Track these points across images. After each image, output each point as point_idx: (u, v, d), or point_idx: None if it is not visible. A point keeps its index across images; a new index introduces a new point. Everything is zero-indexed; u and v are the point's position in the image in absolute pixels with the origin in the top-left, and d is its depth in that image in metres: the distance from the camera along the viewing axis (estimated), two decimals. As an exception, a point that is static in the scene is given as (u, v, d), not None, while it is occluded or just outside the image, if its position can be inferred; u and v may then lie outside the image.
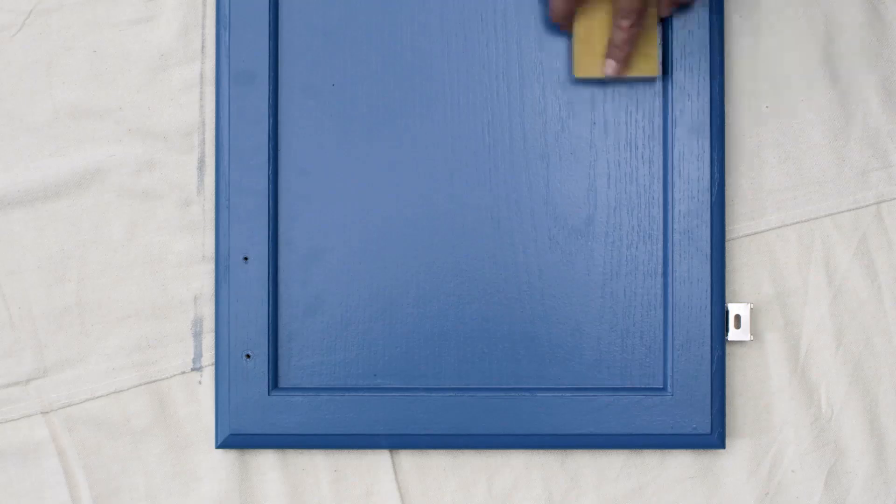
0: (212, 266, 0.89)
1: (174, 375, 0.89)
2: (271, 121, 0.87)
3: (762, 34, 0.90)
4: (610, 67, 0.84)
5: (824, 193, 0.90)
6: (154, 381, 0.89)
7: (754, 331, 0.89)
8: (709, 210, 0.87)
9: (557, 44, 0.88)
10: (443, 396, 0.87)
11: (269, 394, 0.87)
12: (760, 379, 0.90)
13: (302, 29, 0.88)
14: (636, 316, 0.88)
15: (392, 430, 0.87)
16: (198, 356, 0.89)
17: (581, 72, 0.86)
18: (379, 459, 0.89)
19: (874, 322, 0.90)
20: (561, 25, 0.85)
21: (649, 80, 0.87)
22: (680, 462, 0.90)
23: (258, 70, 0.87)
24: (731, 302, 0.89)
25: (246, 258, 0.87)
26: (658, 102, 0.88)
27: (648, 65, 0.85)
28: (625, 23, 0.82)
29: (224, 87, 0.87)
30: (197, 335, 0.89)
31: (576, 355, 0.88)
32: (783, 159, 0.90)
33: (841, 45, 0.90)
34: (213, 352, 0.88)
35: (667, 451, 0.90)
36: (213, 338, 0.88)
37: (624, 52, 0.83)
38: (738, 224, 0.90)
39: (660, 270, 0.88)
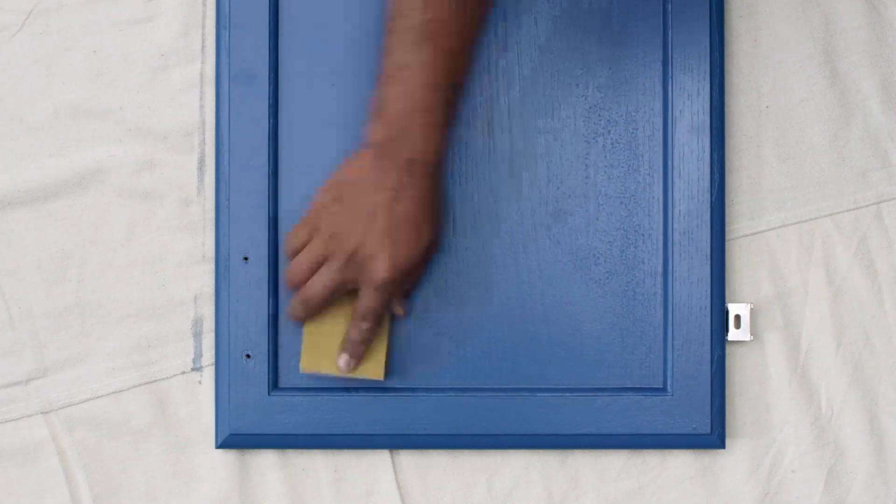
0: (212, 266, 0.89)
1: (174, 375, 0.89)
2: (271, 121, 0.87)
3: (762, 34, 0.90)
4: (343, 361, 0.84)
5: (824, 193, 0.90)
6: (154, 381, 0.89)
7: (754, 331, 0.89)
8: (709, 210, 0.87)
9: (558, 44, 0.88)
10: (443, 396, 0.87)
11: (269, 394, 0.87)
12: (760, 379, 0.90)
13: (302, 29, 0.88)
14: (636, 316, 0.88)
15: (392, 430, 0.87)
16: (198, 356, 0.89)
17: (308, 366, 0.85)
18: (379, 459, 0.89)
19: (874, 322, 0.90)
20: (291, 317, 0.85)
21: (374, 382, 0.86)
22: (680, 462, 0.90)
23: (258, 70, 0.87)
24: (731, 302, 0.89)
25: (246, 258, 0.87)
26: (658, 102, 0.88)
27: (375, 368, 0.85)
28: (364, 324, 0.82)
29: (224, 87, 0.87)
30: (197, 335, 0.89)
31: (576, 355, 0.88)
32: (783, 159, 0.90)
33: (841, 45, 0.90)
34: (213, 352, 0.88)
35: (667, 451, 0.89)
36: (213, 338, 0.88)
37: (361, 349, 0.83)
38: (738, 224, 0.90)
39: (660, 270, 0.88)
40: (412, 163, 0.79)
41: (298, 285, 0.83)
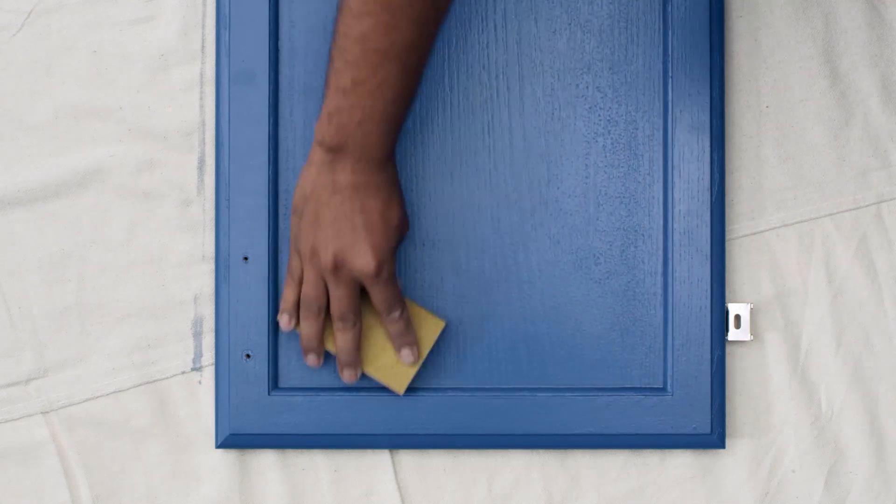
0: (212, 266, 0.89)
1: (174, 375, 0.89)
2: (271, 121, 0.87)
3: (762, 34, 0.90)
4: (405, 355, 0.85)
5: (824, 193, 0.90)
6: (154, 381, 0.89)
7: (754, 331, 0.89)
8: (709, 210, 0.87)
9: (558, 43, 0.88)
10: (443, 396, 0.87)
11: (269, 394, 0.87)
12: (760, 379, 0.90)
13: (302, 29, 0.88)
14: (636, 315, 0.88)
15: (392, 430, 0.87)
16: (198, 356, 0.89)
17: (398, 385, 0.86)
18: (379, 459, 0.89)
19: (874, 322, 0.90)
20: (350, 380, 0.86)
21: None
22: (680, 462, 0.90)
23: (258, 70, 0.87)
24: (731, 302, 0.89)
25: (246, 258, 0.87)
26: (658, 102, 0.88)
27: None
28: (394, 313, 0.83)
29: (224, 87, 0.87)
30: (197, 335, 0.89)
31: (576, 355, 0.88)
32: (783, 159, 0.90)
33: (841, 45, 0.90)
34: (213, 352, 0.88)
35: (667, 451, 0.90)
36: (213, 338, 0.88)
37: (410, 337, 0.85)
38: (738, 224, 0.90)
39: (660, 270, 0.88)
40: (364, 161, 0.80)
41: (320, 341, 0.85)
